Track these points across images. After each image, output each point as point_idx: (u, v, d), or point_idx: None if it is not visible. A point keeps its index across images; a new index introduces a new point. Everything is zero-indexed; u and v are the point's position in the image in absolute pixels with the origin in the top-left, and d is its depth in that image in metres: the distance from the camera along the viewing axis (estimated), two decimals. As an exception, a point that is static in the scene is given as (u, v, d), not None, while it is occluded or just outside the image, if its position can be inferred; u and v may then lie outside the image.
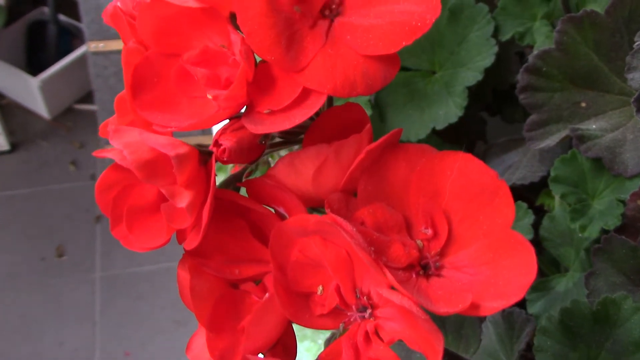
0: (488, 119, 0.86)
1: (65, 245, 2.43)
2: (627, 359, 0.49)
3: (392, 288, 0.32)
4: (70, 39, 2.86)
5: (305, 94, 0.34)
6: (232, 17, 0.37)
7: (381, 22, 0.34)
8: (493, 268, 0.33)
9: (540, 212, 0.68)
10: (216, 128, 0.37)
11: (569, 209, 0.58)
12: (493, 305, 0.32)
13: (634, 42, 0.57)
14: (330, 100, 0.41)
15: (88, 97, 2.76)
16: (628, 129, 0.60)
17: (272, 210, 0.38)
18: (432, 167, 0.36)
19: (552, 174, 0.60)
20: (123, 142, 0.33)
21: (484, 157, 0.74)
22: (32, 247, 2.40)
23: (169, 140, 0.33)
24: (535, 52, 0.62)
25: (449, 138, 0.80)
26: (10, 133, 2.73)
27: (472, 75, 0.71)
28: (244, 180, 0.41)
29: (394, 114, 0.75)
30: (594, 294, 0.53)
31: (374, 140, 0.36)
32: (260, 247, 0.37)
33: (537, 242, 0.66)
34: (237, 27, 0.36)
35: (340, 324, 0.35)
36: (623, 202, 0.56)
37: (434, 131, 0.74)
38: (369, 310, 0.34)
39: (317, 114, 0.37)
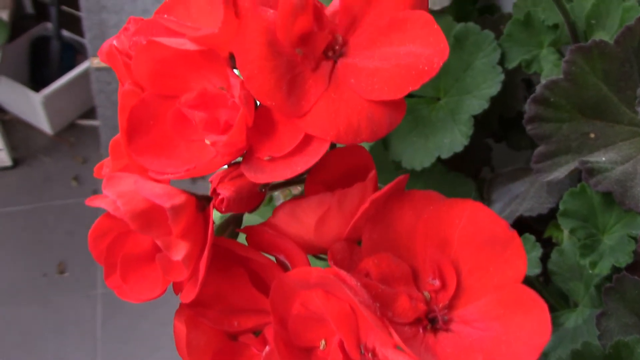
0: (493, 146, 0.85)
1: (67, 261, 2.41)
2: (641, 404, 0.47)
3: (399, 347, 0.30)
4: (73, 54, 2.86)
5: (308, 140, 0.33)
6: (232, 58, 0.36)
7: (387, 66, 0.33)
8: (504, 325, 0.31)
9: (548, 244, 0.67)
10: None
11: (579, 244, 0.57)
12: (504, 365, 0.30)
13: (645, 73, 0.56)
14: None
15: (91, 113, 2.76)
16: (639, 162, 0.58)
17: (272, 258, 0.36)
18: (440, 215, 0.34)
19: (561, 207, 0.58)
20: (117, 191, 0.31)
21: (490, 186, 0.73)
22: (34, 263, 2.39)
23: (164, 190, 0.32)
24: (542, 82, 0.61)
25: (453, 165, 0.79)
26: (12, 148, 2.73)
27: (478, 103, 0.70)
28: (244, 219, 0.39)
29: (397, 141, 0.74)
30: (605, 335, 0.52)
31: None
32: (260, 297, 0.36)
33: (545, 276, 0.64)
34: (236, 67, 0.34)
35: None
36: (634, 238, 0.55)
37: (439, 159, 0.73)
38: (373, 367, 0.33)
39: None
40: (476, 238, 0.33)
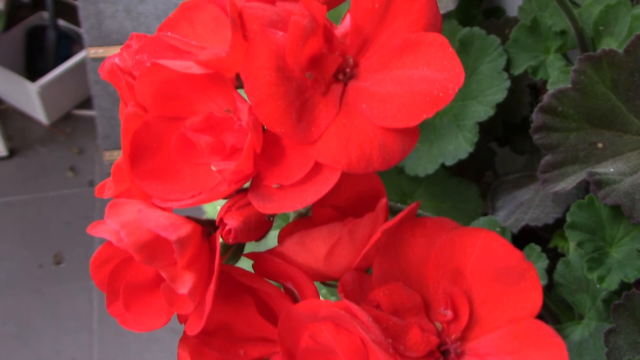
0: (497, 149, 0.84)
1: (63, 252, 2.40)
2: None
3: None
4: (69, 44, 2.84)
5: (318, 168, 0.31)
6: (238, 77, 0.34)
7: (400, 91, 0.32)
8: (519, 360, 0.30)
9: (553, 253, 0.66)
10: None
11: (586, 257, 0.56)
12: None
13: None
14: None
15: (87, 103, 2.74)
16: (647, 173, 0.57)
17: (277, 285, 0.35)
18: (453, 244, 0.33)
19: (568, 219, 0.57)
20: (120, 221, 0.30)
21: (495, 193, 0.72)
22: (30, 254, 2.38)
23: (169, 220, 0.31)
24: (550, 91, 0.60)
25: (456, 169, 0.78)
26: (8, 139, 2.71)
27: (483, 109, 0.69)
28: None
29: (401, 146, 0.72)
30: (614, 352, 0.51)
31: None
32: (267, 325, 0.35)
33: (549, 285, 0.63)
34: (242, 87, 0.33)
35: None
36: (643, 252, 0.54)
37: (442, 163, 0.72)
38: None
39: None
40: (490, 268, 0.33)
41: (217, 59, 0.32)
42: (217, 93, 0.34)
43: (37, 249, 2.38)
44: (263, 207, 0.31)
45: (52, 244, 2.40)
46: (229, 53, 0.31)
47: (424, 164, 0.71)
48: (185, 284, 0.31)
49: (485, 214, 0.79)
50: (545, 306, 0.63)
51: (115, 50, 2.33)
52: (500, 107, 0.70)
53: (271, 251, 0.34)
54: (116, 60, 0.36)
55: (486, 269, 0.33)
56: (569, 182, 0.59)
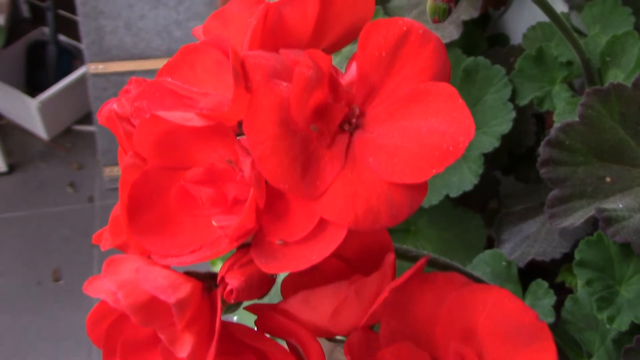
0: (501, 178, 0.83)
1: (62, 269, 2.39)
2: None
3: None
4: (70, 59, 2.84)
5: (323, 223, 0.30)
6: (240, 125, 0.33)
7: (408, 144, 0.31)
8: None
9: (560, 289, 0.65)
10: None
11: (595, 296, 0.55)
12: None
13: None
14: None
15: (87, 118, 2.74)
16: (657, 209, 0.56)
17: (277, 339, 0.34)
18: (463, 301, 0.32)
19: (577, 257, 0.56)
20: (117, 281, 0.29)
21: (500, 225, 0.71)
22: (29, 271, 2.37)
23: (168, 280, 0.30)
24: (557, 124, 0.59)
25: (460, 199, 0.76)
26: (8, 154, 2.70)
27: (488, 140, 0.68)
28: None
29: (405, 177, 0.71)
30: (625, 396, 0.50)
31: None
32: (269, 384, 0.33)
33: (558, 323, 0.62)
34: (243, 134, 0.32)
35: None
36: (654, 292, 0.53)
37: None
38: None
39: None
40: (502, 328, 0.31)
41: (219, 112, 0.30)
42: (218, 143, 0.33)
43: (35, 265, 2.37)
44: (266, 266, 0.30)
45: (50, 261, 2.39)
46: (231, 106, 0.30)
47: (428, 196, 0.70)
48: (184, 347, 0.29)
49: (489, 244, 0.78)
50: (552, 343, 0.62)
51: (116, 65, 2.33)
52: (505, 137, 0.69)
53: (275, 307, 0.33)
54: (114, 106, 0.35)
55: (498, 329, 0.31)
56: (576, 218, 0.58)
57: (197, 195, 0.32)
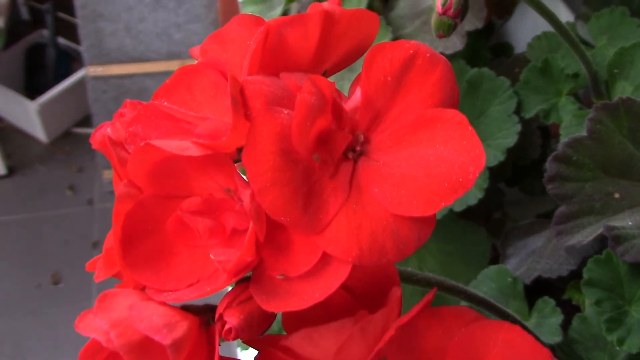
0: (505, 190, 0.81)
1: (61, 272, 2.38)
2: None
3: None
4: (69, 62, 2.83)
5: (327, 258, 0.29)
6: (239, 151, 0.32)
7: (415, 174, 0.29)
8: None
9: (567, 306, 0.63)
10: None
11: (605, 317, 0.53)
12: None
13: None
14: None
15: (86, 121, 2.73)
16: (667, 226, 0.55)
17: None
18: (473, 337, 0.30)
19: (586, 276, 0.55)
20: (110, 319, 0.28)
21: (505, 239, 0.69)
22: (28, 274, 2.36)
23: (163, 319, 0.28)
24: (565, 140, 0.57)
25: (464, 212, 0.75)
26: (7, 157, 2.69)
27: (493, 154, 0.66)
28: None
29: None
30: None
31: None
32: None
33: (565, 342, 0.60)
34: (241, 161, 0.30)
35: None
36: (665, 312, 0.51)
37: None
38: None
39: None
40: (513, 366, 0.30)
41: (217, 141, 0.29)
42: (216, 171, 0.31)
43: (34, 268, 2.36)
44: (267, 304, 0.28)
45: (50, 264, 2.38)
46: (229, 136, 0.29)
47: (431, 209, 0.68)
48: (181, 388, 0.28)
49: (494, 256, 0.76)
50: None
51: (115, 68, 2.32)
52: (510, 149, 0.68)
53: (276, 344, 0.31)
54: (108, 130, 0.34)
55: (509, 366, 0.30)
56: (585, 235, 0.57)
57: (194, 227, 0.31)
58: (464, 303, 0.51)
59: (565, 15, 0.81)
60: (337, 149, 0.30)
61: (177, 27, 2.26)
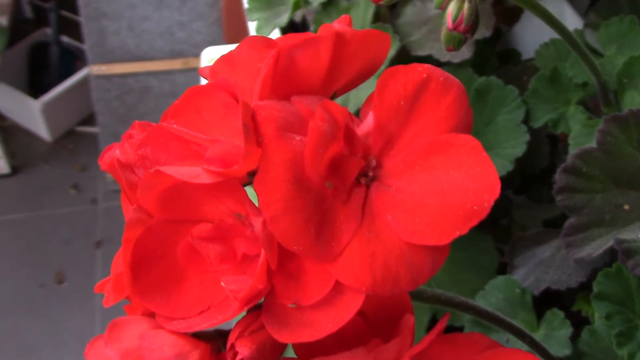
0: (512, 195, 0.81)
1: (65, 271, 2.38)
2: None
3: None
4: (72, 60, 2.83)
5: (340, 288, 0.29)
6: (250, 175, 0.32)
7: (429, 202, 0.29)
8: None
9: (576, 318, 0.63)
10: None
11: (615, 331, 0.53)
12: None
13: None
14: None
15: (90, 120, 2.73)
16: (678, 239, 0.54)
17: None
18: (487, 365, 0.30)
19: (595, 289, 0.54)
20: (120, 349, 0.27)
21: (514, 249, 0.69)
22: (31, 273, 2.36)
23: (174, 350, 0.28)
24: (574, 151, 0.57)
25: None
26: (11, 156, 2.69)
27: (501, 163, 0.66)
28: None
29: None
30: None
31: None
32: None
33: (575, 356, 0.60)
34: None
35: None
36: (676, 327, 0.51)
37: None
38: None
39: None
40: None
41: (228, 169, 0.29)
42: (227, 197, 0.31)
43: (38, 268, 2.36)
44: (279, 334, 0.28)
45: (53, 263, 2.38)
46: (240, 164, 0.28)
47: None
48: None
49: (501, 266, 0.76)
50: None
51: (119, 67, 2.32)
52: (518, 159, 0.67)
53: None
54: (117, 152, 0.33)
55: (523, 395, 0.30)
56: (594, 247, 0.56)
57: (205, 253, 0.31)
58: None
59: (573, 20, 0.81)
60: (350, 174, 0.30)
61: (181, 26, 2.26)
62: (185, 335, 0.30)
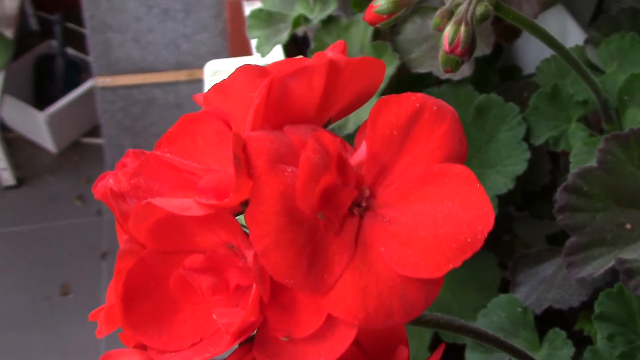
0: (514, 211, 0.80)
1: (71, 283, 2.38)
2: None
3: None
4: (78, 72, 2.84)
5: (332, 321, 0.28)
6: (242, 204, 0.31)
7: (422, 234, 0.29)
8: None
9: (578, 336, 0.62)
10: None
11: (617, 353, 0.52)
12: None
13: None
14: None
15: (95, 131, 2.73)
16: (680, 259, 0.54)
17: None
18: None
19: (597, 310, 0.54)
20: (112, 384, 0.27)
21: (515, 267, 0.68)
22: (37, 285, 2.36)
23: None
24: (575, 170, 0.57)
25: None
26: (16, 167, 2.70)
27: (502, 181, 0.65)
28: None
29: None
30: None
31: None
32: None
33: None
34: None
35: None
36: (679, 350, 0.50)
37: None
38: None
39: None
40: None
41: (220, 202, 0.29)
42: (219, 227, 0.31)
43: (43, 279, 2.36)
44: (270, 368, 0.28)
45: (59, 275, 2.38)
46: (231, 197, 0.28)
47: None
48: None
49: (503, 282, 0.75)
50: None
51: (123, 79, 2.33)
52: (519, 175, 0.67)
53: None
54: (110, 181, 0.33)
55: None
56: (596, 267, 0.56)
57: (197, 285, 0.31)
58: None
59: (577, 34, 0.80)
60: (342, 205, 0.30)
61: (185, 38, 2.26)
62: (178, 368, 0.30)
